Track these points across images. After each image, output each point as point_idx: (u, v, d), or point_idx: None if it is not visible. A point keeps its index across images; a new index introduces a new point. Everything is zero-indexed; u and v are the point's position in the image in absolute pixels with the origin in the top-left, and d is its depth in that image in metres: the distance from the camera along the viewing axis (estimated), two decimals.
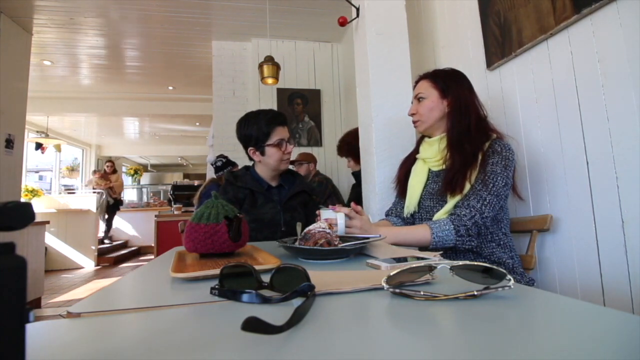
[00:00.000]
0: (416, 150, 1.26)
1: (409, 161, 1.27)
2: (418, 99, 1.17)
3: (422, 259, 0.69)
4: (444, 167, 1.11)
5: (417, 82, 1.23)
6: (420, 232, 1.00)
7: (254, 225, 1.28)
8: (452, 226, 0.98)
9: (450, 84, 1.14)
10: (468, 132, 1.08)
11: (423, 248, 1.02)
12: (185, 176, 11.47)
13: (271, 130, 1.35)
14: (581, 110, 1.08)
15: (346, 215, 0.97)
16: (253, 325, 0.30)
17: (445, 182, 1.06)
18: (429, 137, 1.20)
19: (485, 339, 0.33)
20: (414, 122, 1.20)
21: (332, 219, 0.96)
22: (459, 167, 1.04)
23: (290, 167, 1.88)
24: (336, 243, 0.79)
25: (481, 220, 0.98)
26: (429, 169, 1.18)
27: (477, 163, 1.03)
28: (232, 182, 1.37)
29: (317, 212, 1.08)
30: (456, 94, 1.12)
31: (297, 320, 0.35)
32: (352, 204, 1.00)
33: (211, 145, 3.71)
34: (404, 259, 0.69)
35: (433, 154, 1.15)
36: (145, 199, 9.82)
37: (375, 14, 1.71)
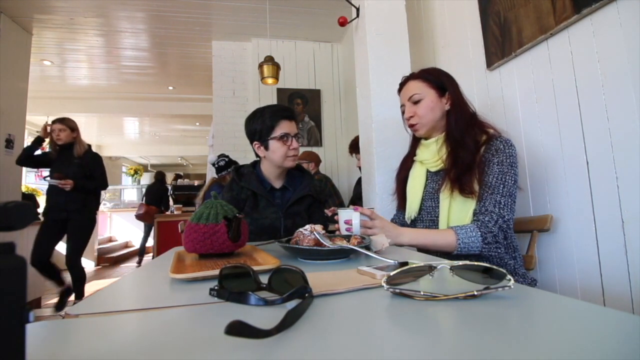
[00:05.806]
0: (413, 153, 1.21)
1: (406, 166, 1.22)
2: (413, 101, 1.10)
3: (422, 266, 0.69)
4: (442, 166, 1.08)
5: (403, 84, 1.16)
6: (445, 236, 0.95)
7: (252, 229, 1.23)
8: (479, 233, 0.93)
9: (445, 81, 1.10)
10: (467, 127, 1.05)
11: (445, 254, 0.96)
12: (185, 176, 11.46)
13: (275, 123, 1.27)
14: (581, 110, 1.08)
15: (368, 216, 0.94)
16: (238, 329, 0.29)
17: (452, 179, 1.01)
18: (426, 139, 1.15)
19: (485, 339, 0.33)
20: (413, 126, 1.12)
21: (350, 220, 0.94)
22: (466, 163, 1.01)
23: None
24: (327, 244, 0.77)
25: (504, 224, 0.94)
26: (427, 170, 1.15)
27: (478, 156, 1.01)
28: (237, 180, 1.33)
29: (327, 211, 1.06)
30: (452, 90, 1.09)
31: (289, 324, 0.35)
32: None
33: (211, 145, 3.71)
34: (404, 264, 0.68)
35: (430, 156, 1.12)
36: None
37: (375, 14, 1.71)
